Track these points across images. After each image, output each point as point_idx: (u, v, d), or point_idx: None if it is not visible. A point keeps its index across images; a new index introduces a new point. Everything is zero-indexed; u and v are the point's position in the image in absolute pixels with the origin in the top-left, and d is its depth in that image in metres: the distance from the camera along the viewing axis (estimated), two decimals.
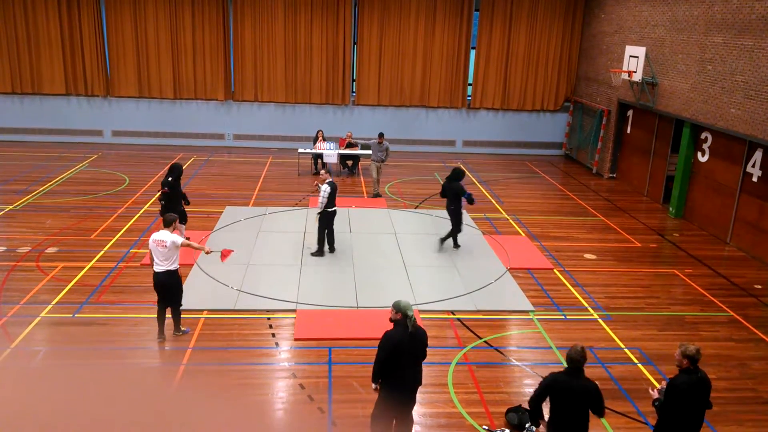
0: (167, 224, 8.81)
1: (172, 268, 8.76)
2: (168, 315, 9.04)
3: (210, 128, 21.71)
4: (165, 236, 8.68)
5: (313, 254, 12.17)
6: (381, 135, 16.53)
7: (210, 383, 7.87)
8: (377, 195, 16.41)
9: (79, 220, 13.79)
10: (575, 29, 21.73)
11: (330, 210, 12.00)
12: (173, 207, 11.92)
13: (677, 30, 15.86)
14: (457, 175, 12.67)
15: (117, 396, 2.37)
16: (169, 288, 8.85)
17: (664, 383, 6.49)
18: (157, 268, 8.75)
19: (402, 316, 6.46)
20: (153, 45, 20.75)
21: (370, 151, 18.56)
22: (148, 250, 9.08)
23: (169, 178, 11.86)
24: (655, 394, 6.29)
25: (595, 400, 5.86)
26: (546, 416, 6.13)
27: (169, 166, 12.16)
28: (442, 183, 12.95)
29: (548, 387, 5.97)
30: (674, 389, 6.05)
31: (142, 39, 20.70)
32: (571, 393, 5.84)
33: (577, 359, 5.87)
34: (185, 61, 20.98)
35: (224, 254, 9.13)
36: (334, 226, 12.33)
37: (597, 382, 5.99)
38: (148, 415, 2.32)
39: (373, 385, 6.71)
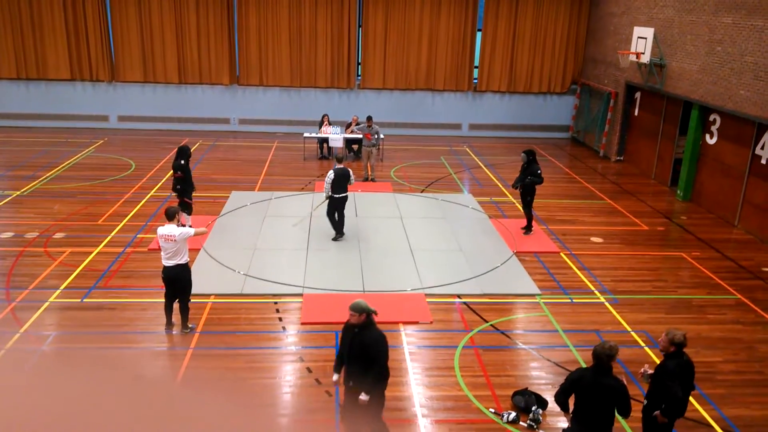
0: (170, 217, 8.65)
1: (182, 261, 8.64)
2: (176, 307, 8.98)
3: (215, 113, 21.67)
4: (172, 230, 8.53)
5: (334, 239, 12.19)
6: (369, 118, 16.52)
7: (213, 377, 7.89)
8: (369, 179, 16.34)
9: (86, 205, 13.83)
10: (582, 10, 21.49)
11: (336, 196, 11.93)
12: (188, 189, 11.97)
13: (686, 11, 15.66)
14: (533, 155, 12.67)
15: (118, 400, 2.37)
16: (179, 282, 8.72)
17: (648, 366, 6.53)
18: (167, 263, 8.61)
19: (366, 316, 6.24)
20: (158, 29, 20.67)
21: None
22: (155, 236, 9.01)
23: (181, 161, 11.84)
24: (649, 370, 6.35)
25: (621, 399, 5.70)
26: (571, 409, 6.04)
27: (177, 149, 12.14)
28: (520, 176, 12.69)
29: (574, 383, 5.89)
30: (665, 372, 6.10)
31: (147, 23, 20.61)
32: (597, 390, 5.71)
33: (602, 357, 5.70)
34: (190, 46, 20.90)
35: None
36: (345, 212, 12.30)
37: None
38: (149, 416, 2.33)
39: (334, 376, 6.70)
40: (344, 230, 12.37)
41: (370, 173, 16.49)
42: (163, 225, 8.69)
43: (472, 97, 22.23)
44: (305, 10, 20.76)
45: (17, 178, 15.50)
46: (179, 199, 11.95)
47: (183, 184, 11.89)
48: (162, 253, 8.63)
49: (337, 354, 6.63)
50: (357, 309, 6.19)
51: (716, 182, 14.92)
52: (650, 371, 6.36)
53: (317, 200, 14.45)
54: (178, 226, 8.68)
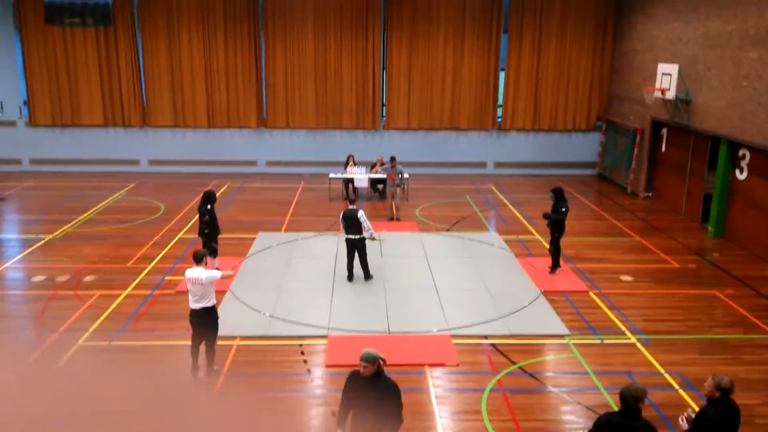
0: (198, 260, 8.71)
1: (209, 304, 8.66)
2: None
3: (243, 155, 22.05)
4: (200, 273, 8.57)
5: (347, 279, 12.24)
6: (393, 159, 16.67)
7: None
8: (394, 218, 16.37)
9: (116, 248, 14.07)
10: (606, 47, 21.56)
11: (348, 237, 11.98)
12: (214, 233, 12.13)
13: (710, 46, 15.62)
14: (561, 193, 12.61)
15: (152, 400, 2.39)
16: (205, 325, 8.73)
17: (691, 411, 6.20)
18: (194, 306, 8.63)
19: (378, 365, 5.92)
20: (188, 75, 21.24)
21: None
22: (183, 278, 9.06)
23: (208, 206, 12.05)
24: (685, 425, 5.95)
25: None
26: None
27: (203, 194, 12.32)
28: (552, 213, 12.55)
29: (602, 428, 5.67)
30: (703, 422, 5.77)
31: (177, 69, 21.21)
32: None
33: (629, 399, 5.51)
34: (219, 91, 21.42)
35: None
36: (356, 256, 12.12)
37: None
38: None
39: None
40: (370, 273, 12.25)
41: (395, 213, 16.54)
42: (190, 268, 8.77)
43: (497, 136, 22.29)
44: (330, 53, 21.18)
45: (51, 222, 15.86)
46: (205, 243, 12.09)
47: (210, 228, 12.05)
48: (189, 296, 8.67)
49: (341, 407, 6.18)
50: (371, 359, 5.87)
51: (748, 218, 14.62)
52: (693, 415, 6.04)
53: (341, 241, 14.49)
54: (205, 269, 8.75)
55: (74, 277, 12.35)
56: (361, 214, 11.86)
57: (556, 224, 12.44)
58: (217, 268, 11.45)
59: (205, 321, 8.71)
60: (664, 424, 7.83)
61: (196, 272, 8.60)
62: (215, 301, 8.81)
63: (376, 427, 5.91)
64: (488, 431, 7.75)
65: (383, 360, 5.98)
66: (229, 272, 9.52)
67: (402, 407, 6.03)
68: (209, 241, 12.07)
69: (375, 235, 12.22)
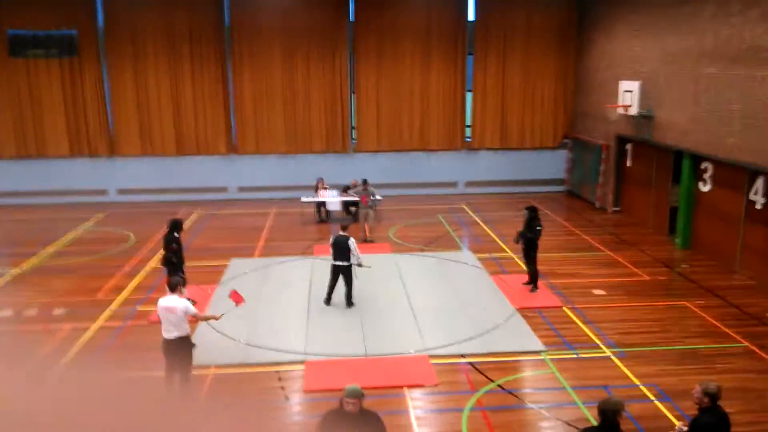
0: (173, 288, 8.54)
1: (183, 334, 8.46)
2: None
3: (213, 182, 21.89)
4: (175, 302, 8.39)
5: (325, 302, 12.08)
6: (365, 181, 16.84)
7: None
8: (366, 240, 16.37)
9: (85, 279, 13.80)
10: (569, 66, 22.04)
11: (334, 263, 11.83)
12: (181, 263, 11.87)
13: (669, 62, 16.07)
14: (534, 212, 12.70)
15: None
16: (180, 355, 8.50)
17: (682, 424, 6.26)
18: (168, 335, 8.41)
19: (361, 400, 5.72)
20: (154, 102, 21.10)
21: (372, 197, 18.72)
22: (155, 310, 8.84)
23: (175, 234, 11.79)
24: (684, 428, 6.01)
25: None
26: None
27: (169, 222, 12.02)
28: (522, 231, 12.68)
29: None
30: (699, 429, 5.84)
31: (144, 97, 21.05)
32: None
33: (608, 413, 5.54)
34: (186, 117, 21.30)
35: (236, 298, 9.11)
36: (338, 281, 11.97)
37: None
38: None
39: None
40: (352, 301, 11.98)
41: (368, 235, 16.55)
42: (164, 297, 8.59)
43: (466, 155, 22.53)
44: (298, 77, 21.26)
45: (18, 255, 15.50)
46: (172, 273, 11.73)
47: (177, 257, 11.80)
48: (162, 326, 8.47)
49: None
50: (358, 394, 5.64)
51: (714, 229, 14.96)
52: (685, 429, 6.04)
53: (316, 265, 14.44)
54: (179, 297, 8.59)
55: (44, 311, 12.06)
56: (351, 241, 11.65)
57: (530, 243, 12.56)
58: (188, 299, 11.29)
59: (179, 350, 8.51)
60: None
61: (171, 301, 8.43)
62: (189, 331, 8.66)
63: None
64: None
65: (363, 395, 5.74)
66: (213, 315, 9.30)
67: None
68: (176, 271, 11.61)
69: (363, 262, 11.94)
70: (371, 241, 16.40)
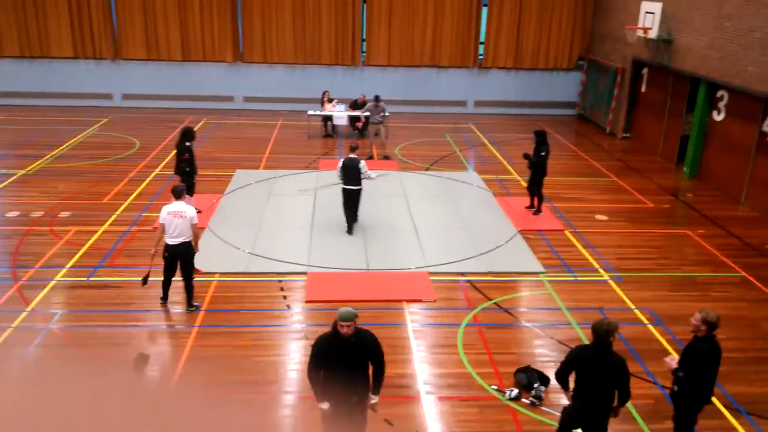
0: (179, 195, 8.72)
1: (188, 239, 8.67)
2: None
3: (219, 90, 21.58)
4: (183, 208, 8.57)
5: (347, 232, 11.52)
6: (377, 98, 16.42)
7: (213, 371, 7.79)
8: (374, 157, 16.27)
9: (91, 184, 13.86)
10: None
11: (345, 187, 11.34)
12: (194, 172, 11.93)
13: None
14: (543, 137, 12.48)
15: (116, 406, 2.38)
16: (184, 259, 8.74)
17: (670, 358, 6.24)
18: (173, 241, 8.59)
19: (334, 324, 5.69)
20: (160, 5, 20.48)
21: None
22: (159, 215, 8.87)
23: (187, 143, 11.81)
24: (674, 364, 6.07)
25: (621, 376, 5.64)
26: (571, 387, 5.98)
27: (181, 131, 12.04)
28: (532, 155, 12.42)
29: (574, 360, 5.86)
30: (694, 355, 5.92)
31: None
32: (597, 367, 5.68)
33: (601, 333, 5.64)
34: (193, 23, 20.74)
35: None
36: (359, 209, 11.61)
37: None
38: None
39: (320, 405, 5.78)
40: (357, 216, 11.75)
41: (376, 151, 16.44)
42: (169, 203, 8.72)
43: (478, 74, 22.04)
44: None
45: (22, 157, 15.52)
46: (186, 181, 11.91)
47: (190, 166, 11.87)
48: (167, 231, 8.60)
49: (315, 379, 5.73)
50: (351, 317, 5.59)
51: (723, 159, 14.81)
52: (674, 364, 6.07)
53: (321, 179, 14.44)
54: (185, 204, 8.72)
55: (49, 213, 12.19)
56: (362, 163, 11.26)
57: (536, 168, 12.47)
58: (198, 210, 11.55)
59: (184, 255, 8.73)
60: (634, 357, 8.11)
61: (179, 206, 8.59)
62: (192, 237, 8.79)
63: (363, 381, 5.77)
64: (463, 363, 7.97)
65: (356, 316, 5.68)
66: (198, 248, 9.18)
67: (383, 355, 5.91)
68: (190, 179, 11.87)
69: (380, 174, 11.40)
70: (387, 158, 16.32)
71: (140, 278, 9.18)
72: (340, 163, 11.37)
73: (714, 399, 7.42)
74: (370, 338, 5.85)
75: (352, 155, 11.35)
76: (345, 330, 5.59)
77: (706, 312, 5.95)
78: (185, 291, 8.98)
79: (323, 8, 20.79)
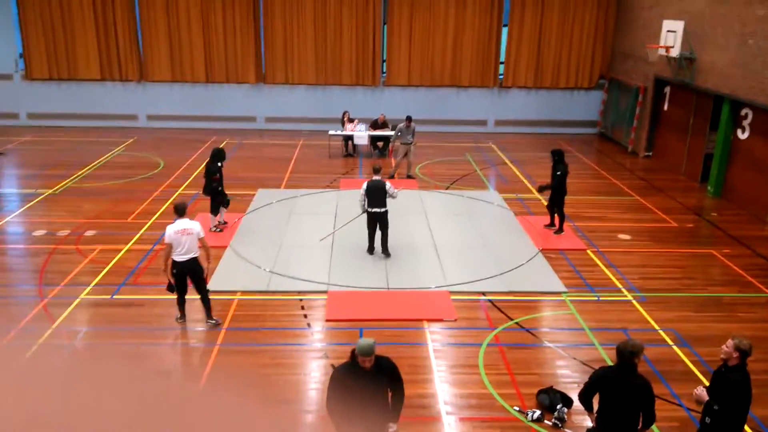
0: (183, 213, 8.83)
1: (196, 255, 8.77)
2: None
3: (242, 111, 21.87)
4: (190, 224, 8.71)
5: (368, 251, 11.43)
6: (409, 118, 16.37)
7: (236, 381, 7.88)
8: (395, 176, 16.32)
9: (116, 203, 14.08)
10: (610, 3, 21.19)
11: (371, 210, 11.02)
12: (223, 192, 12.27)
13: (717, 3, 15.35)
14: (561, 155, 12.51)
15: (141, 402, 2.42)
16: (197, 274, 8.84)
17: (700, 389, 5.96)
18: (182, 258, 8.66)
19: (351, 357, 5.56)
20: (185, 28, 20.92)
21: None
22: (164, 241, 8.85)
23: (219, 164, 12.13)
24: (705, 396, 5.81)
25: (645, 398, 5.53)
26: (595, 409, 5.86)
27: (212, 152, 12.30)
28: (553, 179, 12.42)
29: (596, 382, 5.76)
30: (732, 387, 5.66)
31: (174, 22, 20.87)
32: (621, 389, 5.58)
33: (625, 354, 5.54)
34: (217, 45, 21.12)
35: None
36: (388, 230, 11.29)
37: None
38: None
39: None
40: (389, 250, 11.37)
41: (406, 170, 16.43)
42: (173, 222, 8.80)
43: (498, 93, 22.09)
44: (330, 7, 20.82)
45: (49, 177, 15.84)
46: (219, 201, 12.27)
47: (221, 185, 12.22)
48: (177, 249, 8.65)
49: (337, 411, 5.54)
50: (372, 351, 5.42)
51: (748, 178, 14.61)
52: (705, 395, 5.84)
53: (342, 198, 14.52)
54: (190, 220, 8.86)
55: (75, 232, 12.40)
56: (389, 186, 11.00)
57: (555, 189, 12.42)
58: (224, 222, 12.52)
59: (197, 271, 8.84)
60: (658, 379, 7.98)
61: (185, 224, 8.71)
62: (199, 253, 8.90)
63: (382, 409, 5.64)
64: (485, 384, 7.90)
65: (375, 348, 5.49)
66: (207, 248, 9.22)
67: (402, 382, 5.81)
68: (222, 198, 12.29)
69: (396, 194, 11.24)
70: (410, 177, 16.33)
71: (164, 295, 9.27)
72: (365, 186, 11.06)
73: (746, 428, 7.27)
74: (390, 366, 5.71)
75: (376, 177, 11.13)
76: (366, 364, 5.46)
77: (739, 339, 5.72)
78: (203, 305, 9.08)
79: (344, 29, 21.04)
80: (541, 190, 12.72)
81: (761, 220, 13.92)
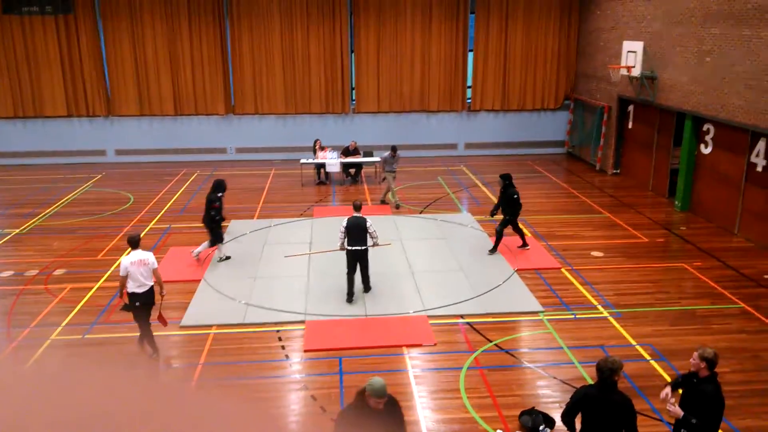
0: (136, 244, 8.82)
1: (151, 283, 8.83)
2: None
3: (212, 143, 21.78)
4: (145, 255, 8.75)
5: (347, 300, 10.66)
6: (394, 148, 16.12)
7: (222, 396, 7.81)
8: (400, 207, 16.04)
9: (85, 240, 13.84)
10: (572, 27, 21.72)
11: (351, 248, 10.44)
12: (222, 220, 12.36)
13: (674, 23, 15.83)
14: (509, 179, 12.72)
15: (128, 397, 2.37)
16: (152, 305, 8.95)
17: (670, 405, 6.01)
18: (141, 289, 8.69)
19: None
20: (152, 62, 20.85)
21: (371, 159, 18.67)
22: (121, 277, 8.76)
23: (219, 194, 12.21)
24: (679, 411, 5.86)
25: (627, 415, 5.55)
26: (578, 429, 5.88)
27: (213, 182, 12.40)
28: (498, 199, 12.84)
29: (578, 402, 5.78)
30: (707, 399, 5.78)
31: (141, 56, 20.80)
32: (603, 407, 5.61)
33: (605, 371, 5.58)
34: (184, 77, 21.07)
35: (162, 321, 9.22)
36: (369, 271, 10.81)
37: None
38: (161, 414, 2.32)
39: None
40: (370, 285, 10.96)
41: (393, 199, 16.15)
42: (127, 254, 8.80)
43: (467, 117, 22.37)
44: (297, 37, 20.97)
45: (16, 216, 15.53)
46: (215, 231, 12.25)
47: (219, 215, 12.23)
48: (133, 282, 8.63)
49: None
50: (385, 392, 5.30)
51: (714, 191, 14.95)
52: (679, 411, 5.90)
53: (316, 227, 14.47)
54: (142, 251, 8.83)
55: (44, 271, 12.13)
56: (369, 223, 10.45)
57: (507, 209, 12.59)
58: (227, 257, 12.56)
59: (151, 301, 8.86)
60: (638, 395, 8.03)
61: (141, 255, 8.72)
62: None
63: None
64: (467, 408, 7.86)
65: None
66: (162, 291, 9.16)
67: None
68: (218, 228, 12.31)
69: (381, 241, 10.96)
70: (398, 207, 16.00)
71: (138, 333, 9.11)
72: (345, 223, 10.47)
73: None
74: (398, 405, 5.61)
75: (357, 214, 10.57)
76: (380, 406, 5.29)
77: (703, 349, 5.89)
78: (147, 340, 9.04)
79: (312, 59, 21.18)
80: (493, 213, 12.96)
81: (729, 233, 14.21)
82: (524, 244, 12.93)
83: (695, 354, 5.94)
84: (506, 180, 12.70)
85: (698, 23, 14.83)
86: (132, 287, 8.67)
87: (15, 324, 10.06)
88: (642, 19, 17.37)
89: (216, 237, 12.31)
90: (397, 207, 16.01)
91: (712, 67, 14.36)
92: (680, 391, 6.24)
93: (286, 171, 20.10)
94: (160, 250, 13.09)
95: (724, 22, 13.88)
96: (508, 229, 12.82)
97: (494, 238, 12.88)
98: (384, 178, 16.41)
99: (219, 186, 12.32)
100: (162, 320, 9.19)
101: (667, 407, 6.03)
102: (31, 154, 21.24)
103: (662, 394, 6.22)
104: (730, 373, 8.60)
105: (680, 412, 5.89)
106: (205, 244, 12.35)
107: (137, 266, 8.63)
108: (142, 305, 8.80)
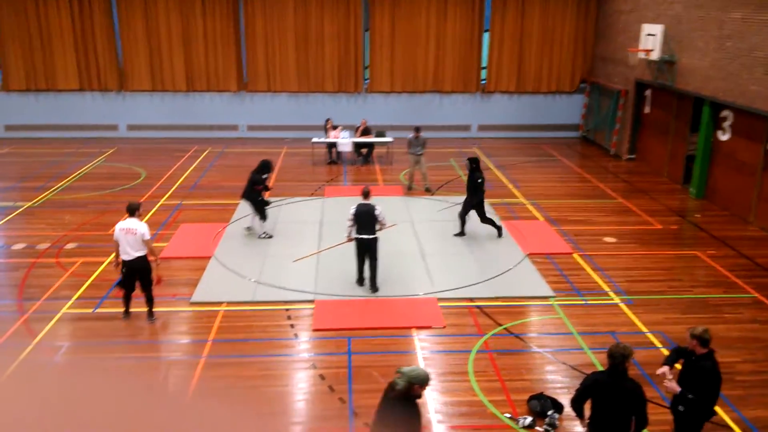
0: (133, 212, 8.97)
1: (143, 253, 8.95)
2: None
3: (224, 120, 21.71)
4: (135, 224, 8.87)
5: (357, 282, 10.52)
6: (417, 129, 15.77)
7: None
8: (412, 188, 15.83)
9: (97, 215, 13.87)
10: (590, 8, 21.36)
11: (359, 237, 10.13)
12: (265, 203, 12.42)
13: (695, 6, 15.51)
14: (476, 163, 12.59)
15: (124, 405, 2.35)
16: (144, 272, 9.06)
17: (668, 381, 6.09)
18: (127, 257, 8.90)
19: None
20: (165, 37, 20.75)
21: (384, 139, 18.54)
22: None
23: (264, 176, 12.24)
24: (677, 387, 6.00)
25: (637, 402, 5.53)
26: (587, 415, 5.86)
27: (260, 162, 12.45)
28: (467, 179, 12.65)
29: (588, 387, 5.76)
30: (705, 374, 5.91)
31: (154, 32, 20.70)
32: (613, 394, 5.59)
33: (617, 357, 5.55)
34: (197, 53, 20.96)
35: (158, 279, 9.38)
36: (377, 261, 10.30)
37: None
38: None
39: None
40: (377, 284, 10.38)
41: (425, 183, 15.84)
42: (123, 220, 8.98)
43: (481, 99, 22.14)
44: (311, 15, 20.77)
45: (28, 190, 15.58)
46: (259, 210, 12.29)
47: (262, 196, 12.32)
48: (122, 248, 8.87)
49: None
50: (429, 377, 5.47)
51: (730, 179, 14.74)
52: (677, 387, 6.01)
53: (326, 206, 14.43)
54: (139, 221, 8.97)
55: (55, 245, 12.19)
56: (379, 210, 10.14)
57: (470, 193, 12.43)
58: (269, 234, 12.56)
59: (141, 268, 9.00)
60: (647, 382, 7.98)
61: (130, 223, 8.87)
62: (146, 251, 9.04)
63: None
64: (475, 391, 7.84)
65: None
66: (157, 256, 9.46)
67: None
68: (262, 207, 12.33)
69: (387, 223, 10.77)
70: (429, 190, 15.68)
71: (147, 308, 9.20)
72: (353, 211, 10.16)
73: (731, 423, 7.29)
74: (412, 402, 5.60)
75: (365, 201, 10.23)
76: (419, 391, 5.40)
77: (693, 328, 6.05)
78: (147, 303, 9.25)
79: (326, 37, 20.99)
80: (466, 211, 12.63)
81: (744, 221, 14.03)
82: (499, 235, 12.65)
83: (688, 336, 6.07)
84: (474, 164, 12.55)
85: (719, 7, 14.53)
86: (121, 253, 8.93)
87: (27, 296, 10.12)
88: (662, 2, 17.04)
89: (262, 215, 12.35)
90: (410, 189, 15.88)
91: (732, 52, 14.08)
92: (678, 366, 6.28)
93: (298, 150, 20.03)
94: (171, 227, 13.11)
95: (746, 6, 13.57)
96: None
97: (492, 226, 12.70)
98: (416, 163, 15.76)
99: (265, 166, 12.32)
100: (157, 281, 9.36)
101: (665, 383, 6.16)
102: (43, 128, 21.27)
103: (659, 371, 6.28)
104: (741, 363, 8.53)
105: (677, 388, 6.03)
106: (257, 219, 12.39)
107: (124, 233, 8.83)
108: (128, 271, 9.01)
